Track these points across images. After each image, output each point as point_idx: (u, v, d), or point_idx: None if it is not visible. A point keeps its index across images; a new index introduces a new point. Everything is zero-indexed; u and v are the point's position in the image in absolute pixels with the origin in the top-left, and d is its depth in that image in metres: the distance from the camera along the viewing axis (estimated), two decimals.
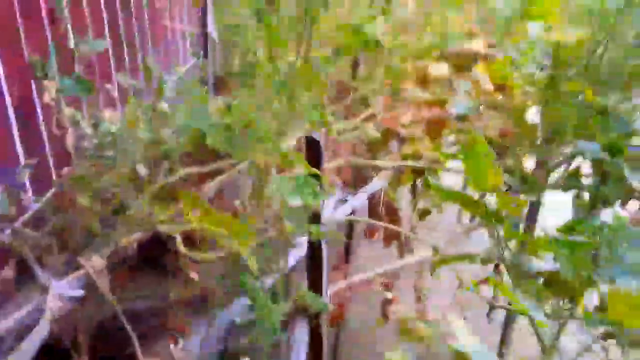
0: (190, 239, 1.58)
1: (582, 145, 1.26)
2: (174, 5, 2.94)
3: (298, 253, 1.32)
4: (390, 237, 1.52)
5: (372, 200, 1.56)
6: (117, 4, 2.52)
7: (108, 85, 2.28)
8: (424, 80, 1.92)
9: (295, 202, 1.08)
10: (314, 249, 1.12)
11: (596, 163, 1.22)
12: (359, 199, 1.44)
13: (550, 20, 1.48)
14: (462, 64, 1.95)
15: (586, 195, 1.50)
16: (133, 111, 1.85)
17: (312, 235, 1.08)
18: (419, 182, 1.68)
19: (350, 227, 1.84)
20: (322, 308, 1.13)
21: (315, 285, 1.14)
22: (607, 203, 1.21)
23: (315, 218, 1.19)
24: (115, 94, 2.31)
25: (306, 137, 1.05)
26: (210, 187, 1.80)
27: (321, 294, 1.18)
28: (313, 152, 1.02)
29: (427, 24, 2.13)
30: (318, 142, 1.04)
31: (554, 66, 1.54)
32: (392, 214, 1.52)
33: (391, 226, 1.40)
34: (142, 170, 1.78)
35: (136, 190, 1.70)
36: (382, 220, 1.51)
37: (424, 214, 1.74)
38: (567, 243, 0.85)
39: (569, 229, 0.95)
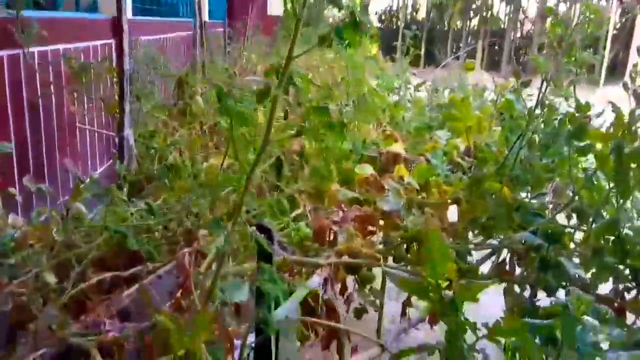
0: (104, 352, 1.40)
1: (521, 235, 1.31)
2: (89, 109, 2.87)
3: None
4: (330, 338, 1.45)
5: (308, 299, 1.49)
6: (24, 106, 2.42)
7: (11, 189, 2.11)
8: (349, 181, 1.96)
9: (242, 297, 1.00)
10: (262, 350, 1.03)
11: (534, 251, 1.28)
12: (296, 298, 1.38)
13: (467, 123, 1.60)
14: (385, 165, 2.03)
15: (516, 287, 1.54)
16: (43, 214, 1.70)
17: (264, 334, 0.99)
18: (352, 279, 1.65)
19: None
20: None
21: None
22: (549, 290, 1.25)
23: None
24: (19, 198, 2.13)
25: (257, 226, 1.00)
26: (129, 293, 1.65)
27: None
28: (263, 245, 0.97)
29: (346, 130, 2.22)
30: (270, 230, 0.99)
31: (474, 166, 1.64)
32: (331, 313, 1.46)
33: (334, 324, 1.34)
34: (49, 278, 1.60)
35: (43, 300, 1.51)
36: (321, 319, 1.44)
37: (359, 312, 1.70)
38: (532, 327, 0.85)
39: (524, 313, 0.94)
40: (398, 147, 2.01)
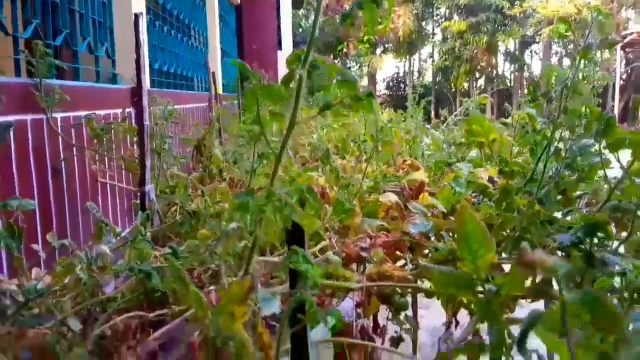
0: None
1: (560, 237, 1.25)
2: (110, 168, 2.91)
3: None
4: None
5: (342, 323, 1.43)
6: (47, 166, 2.46)
7: (34, 246, 2.11)
8: (373, 214, 1.93)
9: (273, 308, 0.96)
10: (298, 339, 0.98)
11: (576, 248, 1.21)
12: (332, 319, 1.31)
13: (490, 137, 1.58)
14: (409, 197, 2.00)
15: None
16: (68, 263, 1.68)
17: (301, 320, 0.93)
18: (385, 311, 1.58)
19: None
20: None
21: None
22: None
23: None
24: (42, 254, 2.13)
25: (287, 229, 0.96)
26: (155, 337, 1.59)
27: None
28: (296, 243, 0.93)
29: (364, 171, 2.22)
30: (303, 233, 0.96)
31: (502, 182, 1.61)
32: (366, 338, 1.38)
33: (371, 344, 1.27)
34: (74, 324, 1.56)
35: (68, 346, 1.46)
36: (357, 346, 1.36)
37: (396, 341, 1.61)
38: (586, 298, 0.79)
39: None
40: (420, 175, 1.99)
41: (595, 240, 1.17)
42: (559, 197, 1.73)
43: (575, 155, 1.50)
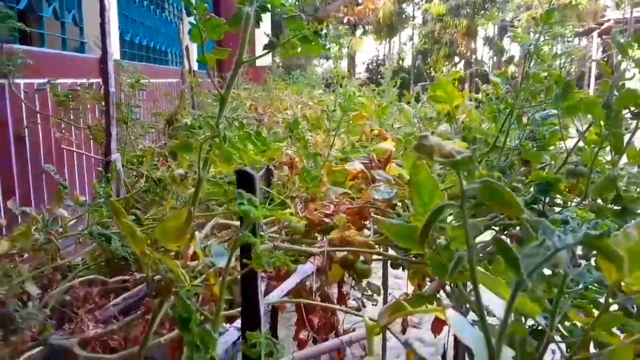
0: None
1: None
2: (77, 137, 2.86)
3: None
4: (326, 330, 1.37)
5: (303, 289, 1.43)
6: (9, 131, 2.40)
7: None
8: (340, 183, 1.92)
9: (224, 263, 0.95)
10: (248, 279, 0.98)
11: (530, 208, 1.23)
12: (290, 283, 1.31)
13: (454, 103, 1.58)
14: (377, 167, 2.00)
15: None
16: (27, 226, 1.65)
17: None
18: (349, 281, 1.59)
19: (273, 318, 1.66)
20: None
21: None
22: None
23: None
24: (3, 222, 2.08)
25: (237, 172, 0.95)
26: (116, 302, 1.58)
27: None
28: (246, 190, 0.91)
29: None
30: (252, 177, 0.94)
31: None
32: (327, 301, 1.39)
33: (331, 305, 1.27)
34: (31, 288, 1.53)
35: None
36: (315, 309, 1.37)
37: (357, 308, 1.62)
38: None
39: None
40: (388, 145, 1.99)
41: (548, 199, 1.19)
42: (522, 168, 1.75)
43: (537, 123, 1.51)
